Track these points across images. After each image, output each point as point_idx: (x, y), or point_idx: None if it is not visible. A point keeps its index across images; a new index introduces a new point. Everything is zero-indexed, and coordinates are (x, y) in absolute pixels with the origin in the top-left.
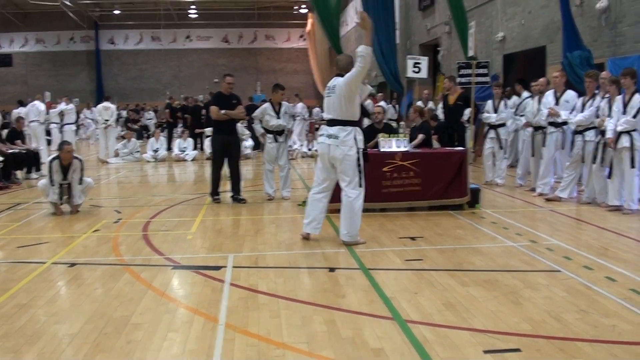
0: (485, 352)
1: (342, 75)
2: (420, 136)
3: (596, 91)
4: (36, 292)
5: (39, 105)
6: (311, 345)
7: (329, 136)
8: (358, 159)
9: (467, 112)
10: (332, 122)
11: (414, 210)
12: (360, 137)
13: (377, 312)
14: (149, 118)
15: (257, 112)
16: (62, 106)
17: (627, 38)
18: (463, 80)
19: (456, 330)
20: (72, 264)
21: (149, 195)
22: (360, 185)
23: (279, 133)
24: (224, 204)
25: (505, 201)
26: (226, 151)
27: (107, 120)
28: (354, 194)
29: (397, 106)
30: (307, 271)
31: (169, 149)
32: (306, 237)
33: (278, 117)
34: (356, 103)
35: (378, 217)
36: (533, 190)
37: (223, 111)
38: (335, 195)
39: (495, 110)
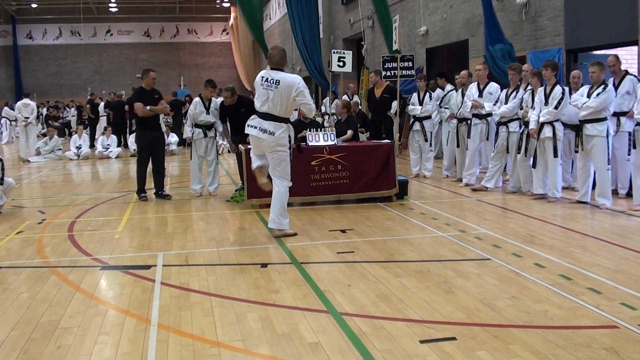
0: (422, 342)
1: (280, 70)
2: (350, 132)
3: (519, 83)
4: None
5: None
6: (247, 342)
7: (263, 131)
8: (290, 155)
9: (395, 105)
10: (267, 116)
11: (342, 203)
12: (292, 133)
13: (311, 306)
14: (72, 115)
15: (190, 110)
16: None
17: (546, 32)
18: (388, 73)
19: (392, 322)
20: None
21: (73, 194)
22: (288, 181)
23: (208, 128)
24: (150, 202)
25: (432, 192)
26: (152, 147)
27: (27, 117)
28: (282, 187)
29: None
30: (238, 268)
31: (92, 146)
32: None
33: (207, 113)
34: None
35: (307, 210)
36: (459, 180)
37: (148, 107)
38: (265, 191)
39: (421, 103)
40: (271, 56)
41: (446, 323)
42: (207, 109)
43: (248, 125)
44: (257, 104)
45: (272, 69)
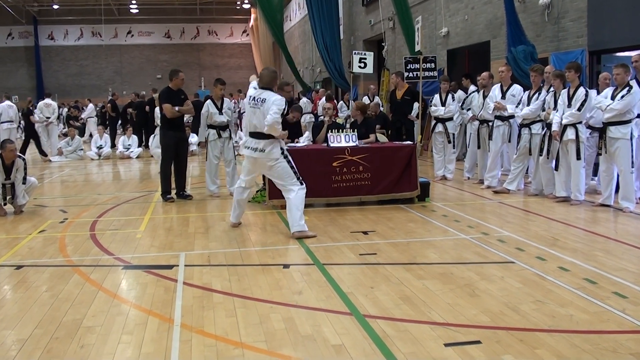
0: (447, 345)
1: (269, 89)
2: (372, 136)
3: (541, 85)
4: None
5: None
6: (270, 343)
7: (255, 149)
8: (288, 162)
9: (416, 107)
10: (255, 135)
11: (364, 204)
12: (283, 144)
13: (335, 308)
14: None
15: (203, 111)
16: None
17: (569, 33)
18: (411, 75)
19: (416, 324)
20: (19, 267)
21: (94, 193)
22: (299, 183)
23: (222, 128)
24: (172, 202)
25: (454, 194)
26: (176, 147)
27: (48, 117)
28: (295, 193)
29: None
30: (260, 268)
31: (113, 146)
32: (236, 226)
33: (220, 113)
34: None
35: (329, 211)
36: (481, 183)
37: (177, 108)
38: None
39: (443, 104)
40: (262, 76)
41: (471, 326)
42: (220, 109)
43: (245, 147)
44: (245, 124)
45: (261, 87)
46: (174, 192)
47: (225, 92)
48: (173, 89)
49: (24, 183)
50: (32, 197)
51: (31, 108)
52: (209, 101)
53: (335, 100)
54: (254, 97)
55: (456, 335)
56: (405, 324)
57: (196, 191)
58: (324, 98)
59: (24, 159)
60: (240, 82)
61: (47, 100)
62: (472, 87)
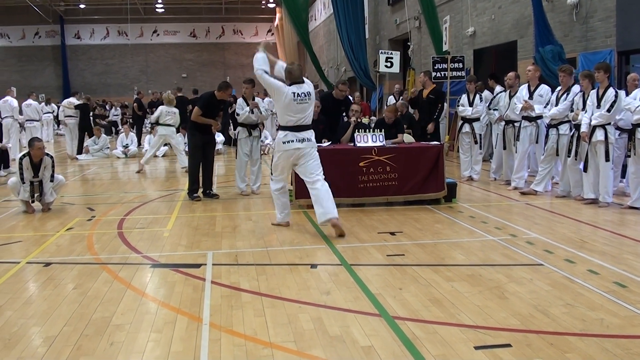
0: (477, 348)
1: (301, 83)
2: (400, 136)
3: (570, 85)
4: (11, 293)
5: (12, 101)
6: (299, 344)
7: (302, 140)
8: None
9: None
10: (300, 128)
11: (390, 205)
12: None
13: (363, 309)
14: (116, 114)
15: (237, 110)
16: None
17: (598, 33)
18: (438, 74)
19: (445, 327)
20: (47, 264)
21: (121, 192)
22: (323, 175)
23: (252, 127)
24: (197, 201)
25: (481, 195)
26: (204, 148)
27: (72, 116)
28: (320, 184)
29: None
30: (288, 268)
31: (140, 144)
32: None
33: (251, 112)
34: None
35: (355, 212)
36: (508, 183)
37: (204, 118)
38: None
39: (470, 104)
40: (293, 71)
41: (500, 329)
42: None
43: (285, 143)
44: (291, 119)
45: (295, 83)
46: (200, 191)
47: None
48: (217, 98)
49: (51, 181)
50: (60, 195)
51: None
52: (240, 100)
53: (366, 101)
54: (298, 93)
55: (486, 338)
56: (435, 326)
57: (222, 190)
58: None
59: (52, 157)
60: None
61: (72, 99)
62: (498, 88)
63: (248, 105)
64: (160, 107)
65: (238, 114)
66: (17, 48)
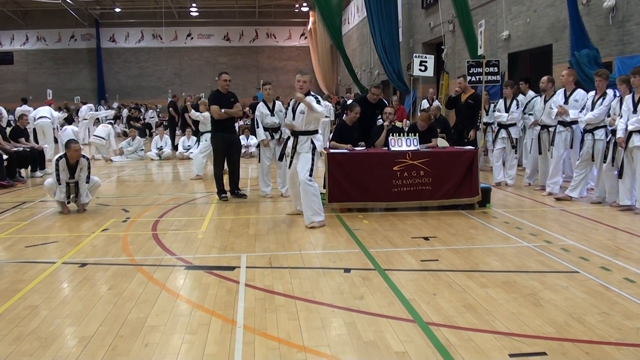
0: (511, 355)
1: None
2: (434, 140)
3: (606, 90)
4: (48, 293)
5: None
6: (333, 348)
7: None
8: None
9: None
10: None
11: (423, 209)
12: None
13: (397, 315)
14: (151, 117)
15: (257, 114)
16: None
17: (634, 37)
18: (473, 79)
19: (479, 333)
20: (83, 264)
21: (155, 193)
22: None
23: (274, 130)
24: (231, 203)
25: (515, 201)
26: (227, 148)
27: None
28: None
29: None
30: (322, 271)
31: (174, 147)
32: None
33: (272, 115)
34: None
35: (388, 216)
36: (542, 189)
37: (223, 110)
38: (348, 194)
39: (507, 110)
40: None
41: (536, 337)
42: (272, 110)
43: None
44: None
45: None
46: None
47: (274, 93)
48: (221, 92)
49: (87, 182)
50: (95, 196)
51: (185, 104)
52: (260, 103)
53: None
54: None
55: (521, 346)
56: (469, 332)
57: (255, 193)
58: None
59: (87, 159)
60: None
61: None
62: (531, 92)
63: (268, 108)
64: (201, 114)
65: (256, 120)
66: (53, 51)
